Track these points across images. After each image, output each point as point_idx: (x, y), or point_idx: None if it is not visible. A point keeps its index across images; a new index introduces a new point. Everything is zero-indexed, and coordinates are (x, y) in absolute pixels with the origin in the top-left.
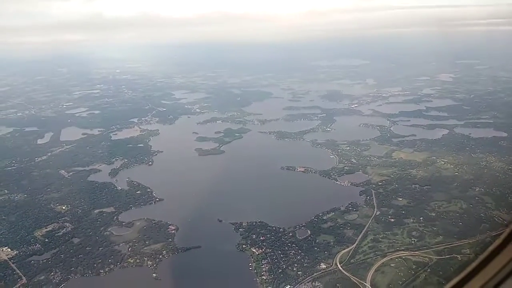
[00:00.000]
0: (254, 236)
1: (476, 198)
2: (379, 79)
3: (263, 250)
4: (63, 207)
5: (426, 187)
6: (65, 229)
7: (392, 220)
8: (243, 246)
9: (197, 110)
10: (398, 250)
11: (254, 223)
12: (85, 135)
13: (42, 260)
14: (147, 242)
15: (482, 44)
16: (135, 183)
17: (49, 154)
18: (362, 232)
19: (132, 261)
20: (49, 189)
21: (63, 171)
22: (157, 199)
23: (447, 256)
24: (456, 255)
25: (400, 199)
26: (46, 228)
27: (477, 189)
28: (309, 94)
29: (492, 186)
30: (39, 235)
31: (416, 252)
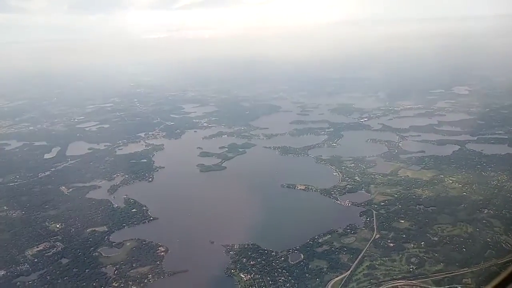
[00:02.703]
0: (244, 260)
1: (484, 221)
2: (392, 92)
3: (252, 275)
4: (57, 225)
5: (431, 208)
6: (55, 248)
7: (392, 244)
8: (232, 271)
9: (205, 124)
10: (394, 279)
11: (246, 246)
12: (91, 150)
13: (28, 282)
14: (134, 265)
15: (501, 56)
16: (131, 200)
17: (53, 169)
18: (358, 258)
19: (116, 285)
20: (47, 206)
21: (63, 187)
22: (151, 218)
23: (446, 286)
24: (456, 285)
25: (402, 221)
26: (37, 247)
27: (485, 211)
28: (318, 108)
29: (502, 208)
30: (29, 254)
31: (413, 282)
